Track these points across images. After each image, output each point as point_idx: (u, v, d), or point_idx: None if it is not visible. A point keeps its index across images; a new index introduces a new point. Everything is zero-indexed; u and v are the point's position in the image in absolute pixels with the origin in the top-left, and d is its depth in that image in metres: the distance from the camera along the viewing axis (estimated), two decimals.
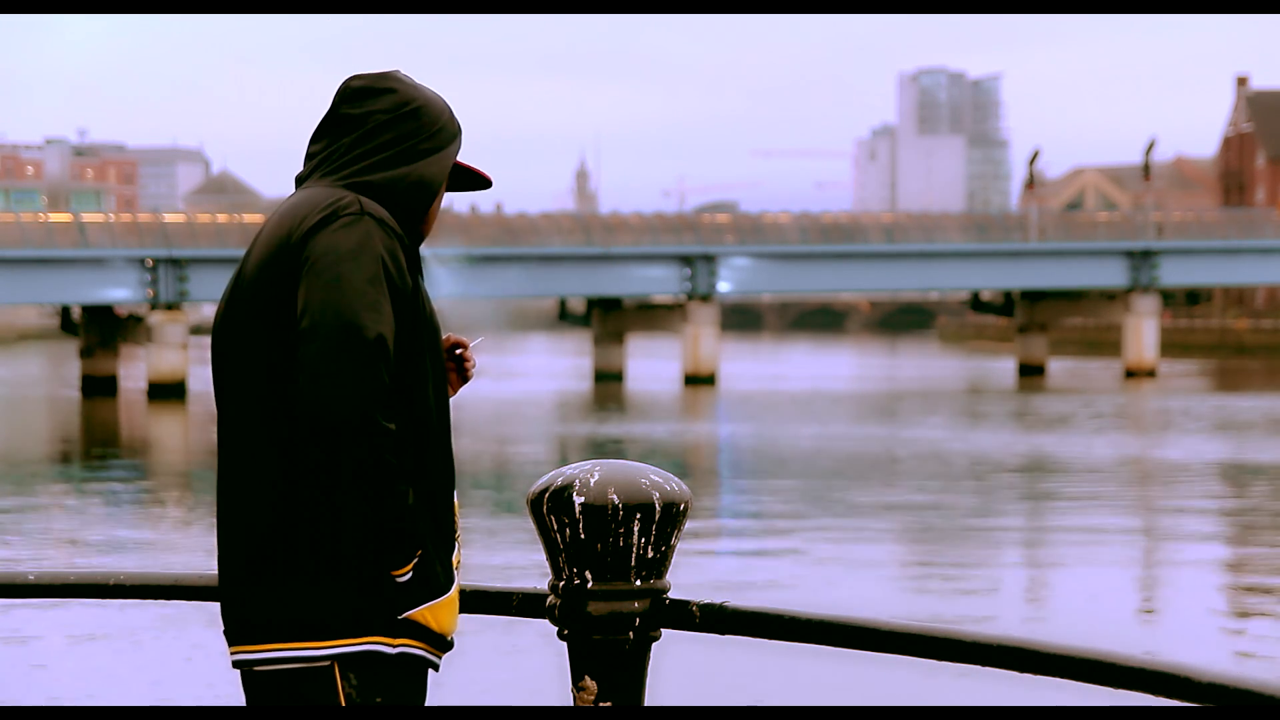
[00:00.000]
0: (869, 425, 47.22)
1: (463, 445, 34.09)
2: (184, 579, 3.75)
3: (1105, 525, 26.42)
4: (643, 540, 3.30)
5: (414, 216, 3.42)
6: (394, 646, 3.24)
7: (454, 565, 3.35)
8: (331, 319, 3.16)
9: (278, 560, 3.23)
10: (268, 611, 3.21)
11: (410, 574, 3.24)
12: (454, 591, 3.31)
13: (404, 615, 3.24)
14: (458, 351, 3.56)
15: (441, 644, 3.33)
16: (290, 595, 3.21)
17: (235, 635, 3.27)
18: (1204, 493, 31.74)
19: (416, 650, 3.27)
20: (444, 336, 3.53)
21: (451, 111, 3.50)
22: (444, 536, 3.33)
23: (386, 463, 3.17)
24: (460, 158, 3.54)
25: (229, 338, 3.35)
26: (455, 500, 3.40)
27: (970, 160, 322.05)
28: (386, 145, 3.39)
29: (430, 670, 3.36)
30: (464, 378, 3.58)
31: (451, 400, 3.54)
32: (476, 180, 3.55)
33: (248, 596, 3.24)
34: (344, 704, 3.20)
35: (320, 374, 3.15)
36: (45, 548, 24.48)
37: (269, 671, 3.22)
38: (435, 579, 3.28)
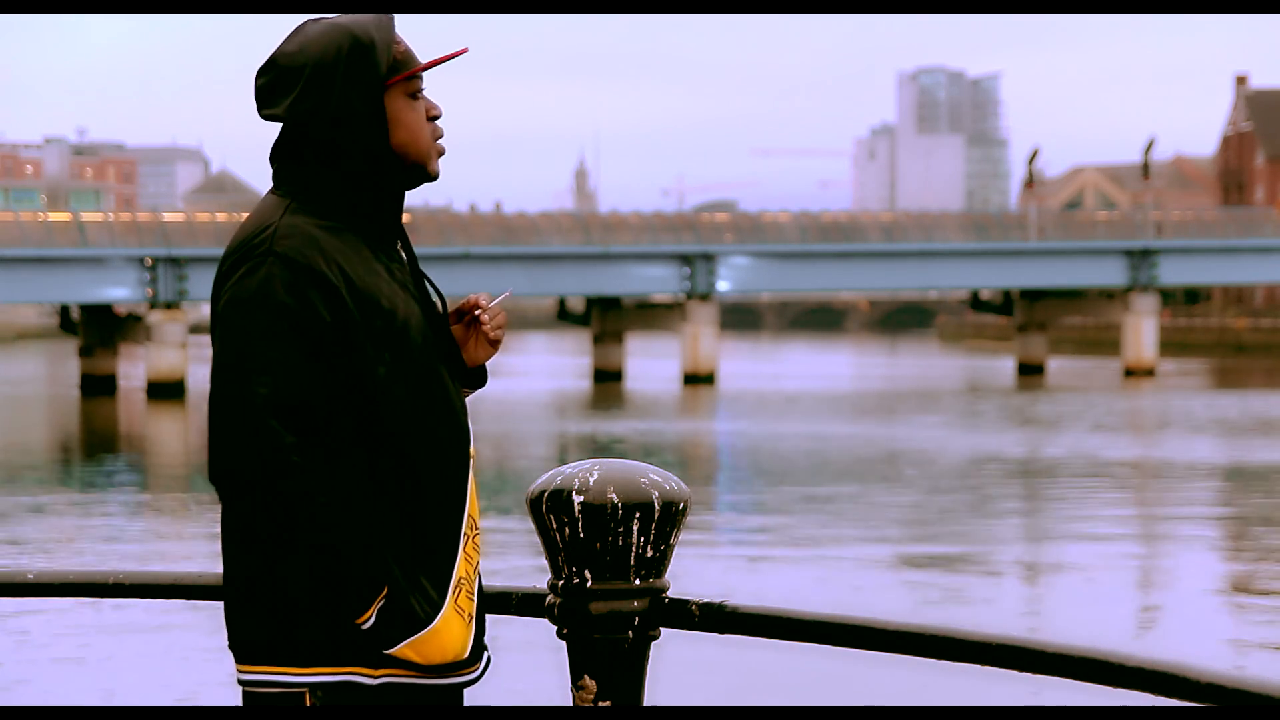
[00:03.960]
0: (867, 424, 47.21)
1: None
2: (183, 578, 3.75)
3: (1105, 524, 26.42)
4: (642, 539, 3.29)
5: (383, 166, 3.19)
6: (375, 677, 3.13)
7: (456, 581, 3.17)
8: (220, 384, 3.08)
9: (261, 589, 3.15)
10: (253, 633, 3.14)
11: (374, 618, 3.08)
12: (439, 621, 3.13)
13: (386, 651, 3.11)
14: (476, 313, 3.35)
15: (439, 671, 3.17)
16: (271, 621, 3.12)
17: (233, 651, 3.24)
18: (1203, 492, 31.75)
19: (404, 679, 3.15)
20: (465, 299, 3.37)
21: (352, 40, 3.17)
22: (431, 560, 3.15)
23: (301, 522, 3.04)
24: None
25: None
26: (468, 508, 3.24)
27: (969, 159, 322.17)
28: (310, 130, 3.18)
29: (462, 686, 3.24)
30: (491, 341, 3.36)
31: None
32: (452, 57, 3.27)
33: (238, 615, 3.17)
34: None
35: (213, 441, 3.08)
36: (44, 547, 24.48)
37: (251, 693, 3.16)
38: (411, 614, 3.11)
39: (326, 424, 3.11)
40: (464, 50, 3.25)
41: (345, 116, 3.17)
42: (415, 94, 3.23)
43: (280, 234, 3.13)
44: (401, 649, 3.11)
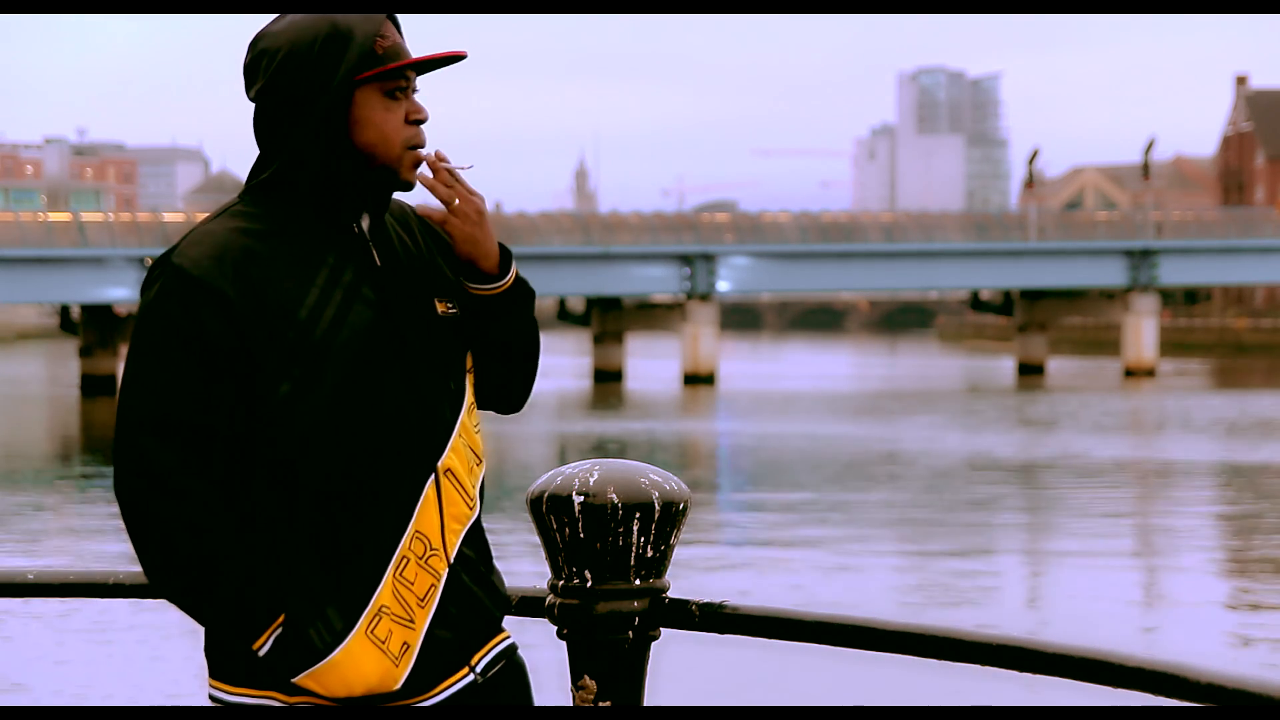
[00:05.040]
0: (867, 425, 47.21)
1: None
2: None
3: (1104, 525, 26.42)
4: (642, 539, 3.29)
5: (343, 166, 3.04)
6: (288, 704, 3.02)
7: (375, 610, 2.99)
8: (117, 404, 3.03)
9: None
10: (206, 647, 3.09)
11: (269, 644, 2.97)
12: (339, 653, 2.97)
13: (292, 680, 2.99)
14: (441, 164, 3.09)
15: (353, 702, 3.01)
16: (208, 639, 3.07)
17: None
18: (1203, 492, 31.74)
19: (317, 706, 3.02)
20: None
21: (330, 28, 3.02)
22: (343, 587, 3.00)
23: (176, 545, 2.95)
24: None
25: None
26: (414, 528, 3.03)
27: (969, 160, 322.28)
28: (277, 118, 3.05)
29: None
30: (457, 214, 3.10)
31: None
32: (443, 60, 3.07)
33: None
34: None
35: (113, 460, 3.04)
36: (44, 547, 24.48)
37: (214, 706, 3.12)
38: (308, 645, 2.97)
39: (222, 444, 2.99)
40: (460, 54, 3.05)
41: (307, 106, 3.02)
42: (394, 93, 3.05)
43: (185, 243, 3.02)
44: (303, 679, 2.98)
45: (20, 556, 23.26)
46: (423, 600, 3.04)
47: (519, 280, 3.19)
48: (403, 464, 3.04)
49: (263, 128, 3.07)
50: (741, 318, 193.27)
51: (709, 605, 3.27)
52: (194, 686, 14.76)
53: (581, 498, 3.28)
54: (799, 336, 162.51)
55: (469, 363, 3.18)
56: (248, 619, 2.97)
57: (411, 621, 3.03)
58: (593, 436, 43.37)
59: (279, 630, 2.98)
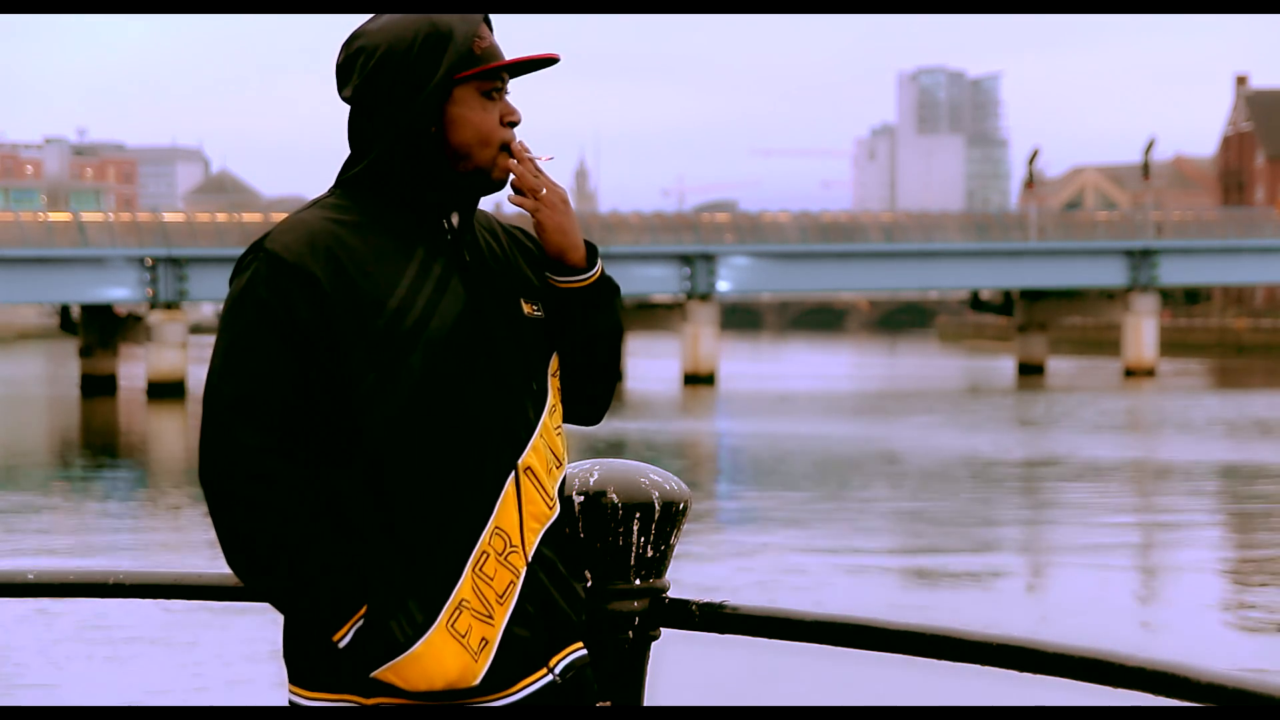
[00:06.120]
0: (867, 424, 47.21)
1: None
2: (184, 578, 3.74)
3: (1104, 524, 26.42)
4: (642, 540, 3.29)
5: (435, 165, 3.06)
6: (367, 705, 3.00)
7: (456, 603, 2.98)
8: (205, 387, 3.03)
9: (264, 602, 3.11)
10: (285, 650, 3.09)
11: (349, 635, 2.97)
12: (421, 645, 2.96)
13: (372, 674, 2.98)
14: (519, 150, 3.11)
15: (433, 699, 3.00)
16: (289, 641, 3.07)
17: None
18: (1202, 492, 31.74)
19: (397, 706, 3.00)
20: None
21: (430, 28, 3.04)
22: (423, 580, 2.98)
23: (258, 530, 2.95)
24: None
25: None
26: (495, 522, 3.02)
27: (969, 159, 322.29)
28: (373, 116, 3.06)
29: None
30: (545, 204, 3.14)
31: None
32: (539, 63, 3.11)
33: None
34: None
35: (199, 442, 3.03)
36: (45, 547, 24.48)
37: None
38: (389, 636, 2.96)
39: (307, 429, 2.99)
40: (554, 57, 3.10)
41: (405, 104, 3.04)
42: (491, 93, 3.08)
43: (278, 229, 3.03)
44: (383, 672, 2.97)
45: (20, 556, 23.27)
46: (501, 597, 3.03)
47: (605, 274, 3.22)
48: (484, 459, 3.03)
49: (356, 126, 3.09)
50: (741, 318, 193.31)
51: (709, 605, 3.27)
52: (192, 685, 14.76)
53: (581, 498, 3.28)
54: (799, 336, 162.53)
55: (553, 366, 3.18)
56: (329, 608, 2.97)
57: (490, 617, 3.02)
58: (592, 436, 43.37)
59: (360, 622, 2.98)
